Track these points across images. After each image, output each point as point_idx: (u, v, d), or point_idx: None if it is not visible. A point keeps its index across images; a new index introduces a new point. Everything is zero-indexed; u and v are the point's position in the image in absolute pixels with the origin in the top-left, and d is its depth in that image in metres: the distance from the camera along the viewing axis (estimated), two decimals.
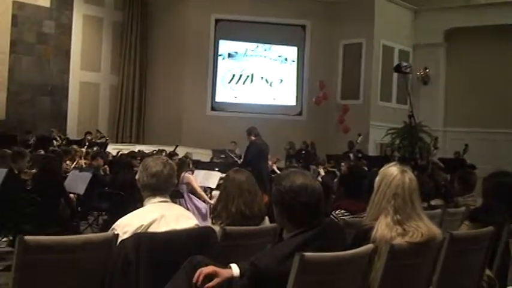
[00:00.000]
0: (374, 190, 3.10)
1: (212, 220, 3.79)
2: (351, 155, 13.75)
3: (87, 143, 13.94)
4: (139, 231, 3.01)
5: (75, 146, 11.46)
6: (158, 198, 3.24)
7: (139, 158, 10.47)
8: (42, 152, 10.76)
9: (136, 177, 3.34)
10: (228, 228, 3.42)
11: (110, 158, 11.10)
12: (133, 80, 19.30)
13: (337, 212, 4.50)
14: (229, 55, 18.80)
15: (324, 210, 2.74)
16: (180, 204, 6.51)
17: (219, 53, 18.73)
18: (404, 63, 11.79)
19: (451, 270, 3.21)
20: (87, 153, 11.46)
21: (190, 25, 18.28)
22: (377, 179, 3.12)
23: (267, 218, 3.82)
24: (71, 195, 7.39)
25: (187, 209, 5.48)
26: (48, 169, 6.98)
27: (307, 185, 2.62)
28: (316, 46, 18.58)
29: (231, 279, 2.65)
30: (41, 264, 2.68)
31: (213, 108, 18.63)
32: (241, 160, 10.08)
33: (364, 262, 2.66)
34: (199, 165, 11.02)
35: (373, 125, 17.25)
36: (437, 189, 6.37)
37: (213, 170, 10.03)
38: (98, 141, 15.07)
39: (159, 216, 3.12)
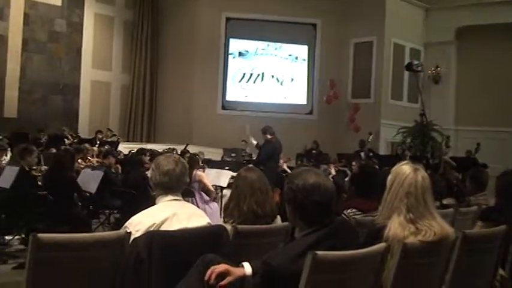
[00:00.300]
0: (386, 189, 3.09)
1: (224, 219, 3.79)
2: (362, 154, 13.71)
3: (98, 142, 14.01)
4: (151, 229, 3.01)
5: (87, 145, 11.50)
6: (170, 197, 3.24)
7: (149, 155, 10.51)
8: (54, 150, 10.82)
9: (149, 175, 3.34)
10: (240, 226, 3.42)
11: (122, 156, 11.13)
12: (144, 79, 19.37)
13: (348, 211, 4.48)
14: (240, 54, 18.80)
15: (336, 209, 2.73)
16: (192, 203, 6.51)
17: (230, 52, 18.73)
18: (416, 62, 11.75)
19: (463, 269, 3.20)
20: (98, 152, 11.52)
21: (200, 24, 18.30)
22: (389, 177, 3.11)
23: (278, 217, 3.82)
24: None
25: (199, 208, 5.48)
26: (59, 165, 7.02)
27: (320, 184, 2.62)
28: (327, 45, 18.54)
29: (243, 277, 2.65)
30: (54, 262, 2.69)
31: (223, 107, 18.64)
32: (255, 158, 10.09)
33: (376, 261, 2.65)
34: (210, 164, 11.02)
35: (384, 123, 17.19)
36: (449, 188, 6.34)
37: (224, 168, 10.03)
38: (109, 139, 15.14)
39: (171, 214, 3.13)
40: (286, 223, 3.53)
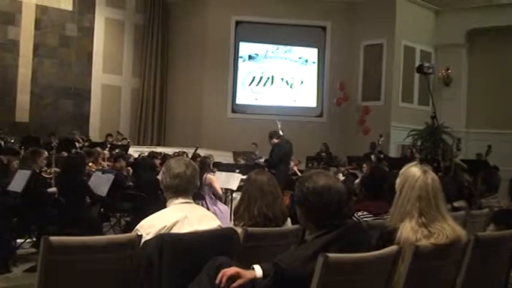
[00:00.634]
0: (397, 193, 3.07)
1: (234, 221, 3.79)
2: (373, 157, 13.66)
3: (108, 145, 14.04)
4: (162, 232, 3.02)
5: (98, 148, 11.54)
6: (181, 199, 3.24)
7: (160, 158, 10.52)
8: (65, 154, 10.87)
9: (159, 178, 3.35)
10: (250, 229, 3.42)
11: (132, 160, 11.16)
12: (155, 83, 19.42)
13: (359, 213, 4.47)
14: (250, 57, 18.82)
15: (346, 211, 2.72)
16: (202, 206, 6.52)
17: (240, 55, 18.75)
18: (427, 64, 11.70)
19: (475, 272, 3.17)
20: (109, 155, 11.55)
21: (210, 27, 18.34)
22: (398, 181, 3.09)
23: (289, 220, 3.81)
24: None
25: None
26: (71, 169, 7.05)
27: (331, 186, 2.62)
28: (337, 47, 18.51)
29: (254, 280, 2.64)
30: (65, 265, 2.70)
31: (233, 110, 18.65)
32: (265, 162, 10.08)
33: (388, 263, 2.64)
34: (220, 167, 11.03)
35: (394, 126, 17.13)
36: (461, 191, 6.30)
37: (234, 171, 10.03)
38: (119, 143, 15.17)
39: (182, 217, 3.13)
40: (296, 225, 3.53)
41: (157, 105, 19.43)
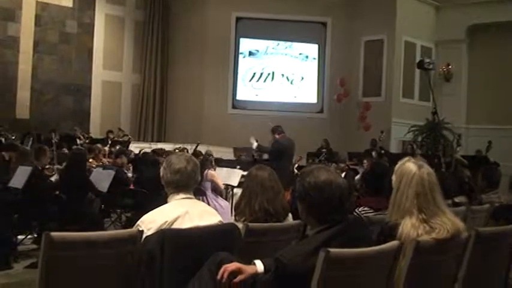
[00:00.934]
0: (393, 190, 3.07)
1: (235, 217, 3.79)
2: (374, 153, 13.65)
3: (109, 142, 14.04)
4: (163, 227, 3.02)
5: (99, 145, 11.54)
6: (182, 195, 3.25)
7: (164, 156, 10.51)
8: (66, 150, 10.86)
9: (160, 173, 3.35)
10: (252, 224, 3.43)
11: (133, 156, 11.16)
12: (155, 79, 19.40)
13: (360, 209, 4.47)
14: (250, 53, 18.79)
15: (348, 206, 2.72)
16: (203, 202, 6.53)
17: (240, 51, 18.72)
18: (428, 60, 11.71)
19: (476, 267, 3.18)
20: (110, 151, 11.55)
21: (211, 23, 18.31)
22: (394, 177, 3.10)
23: (290, 215, 3.82)
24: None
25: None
26: (75, 165, 7.06)
27: (332, 181, 2.61)
28: (337, 43, 18.49)
29: (255, 275, 2.65)
30: (66, 261, 2.71)
31: (234, 106, 18.63)
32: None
33: (389, 259, 2.64)
34: (221, 163, 11.03)
35: (395, 122, 17.11)
36: (461, 187, 6.30)
37: (235, 167, 10.03)
38: (120, 139, 15.17)
39: (183, 212, 3.13)
40: (298, 221, 3.53)
41: (158, 101, 19.42)
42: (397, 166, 3.13)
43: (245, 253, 3.03)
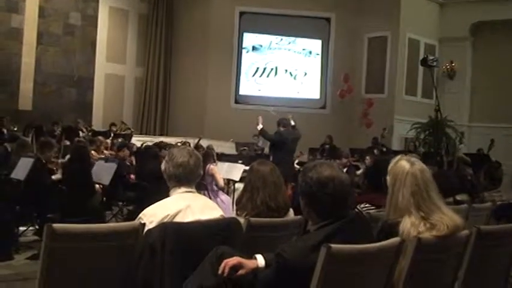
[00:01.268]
0: (389, 191, 3.07)
1: (237, 212, 3.79)
2: (375, 150, 13.64)
3: (112, 134, 14.06)
4: (165, 220, 3.02)
5: (100, 137, 11.55)
6: (184, 189, 3.24)
7: (167, 149, 10.51)
8: (68, 143, 10.87)
9: (162, 167, 3.35)
10: (253, 219, 3.43)
11: (135, 149, 11.17)
12: (158, 72, 19.40)
13: (361, 205, 4.46)
14: (254, 48, 18.78)
15: (350, 202, 2.72)
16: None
17: (243, 46, 18.71)
18: (431, 57, 11.67)
19: (477, 265, 3.17)
20: (112, 144, 11.56)
21: (214, 18, 18.29)
22: (388, 178, 3.09)
23: (291, 210, 3.82)
24: (96, 185, 7.47)
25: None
26: (80, 157, 7.07)
27: (334, 177, 2.61)
28: (341, 39, 18.45)
29: (256, 270, 2.65)
30: (68, 252, 2.71)
31: (236, 101, 18.63)
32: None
33: (390, 256, 2.64)
34: (223, 157, 11.04)
35: (398, 119, 17.10)
36: (463, 185, 6.29)
37: (237, 162, 10.03)
38: (123, 132, 15.19)
39: (185, 206, 3.13)
40: (299, 216, 3.53)
41: (161, 94, 19.41)
42: (390, 166, 3.13)
43: (246, 248, 3.03)
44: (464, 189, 5.89)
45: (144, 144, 11.86)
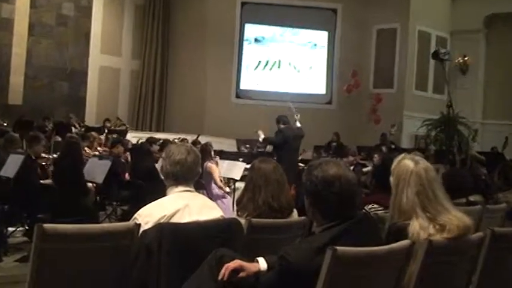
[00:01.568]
0: (392, 192, 3.06)
1: (237, 212, 3.78)
2: (384, 148, 13.61)
3: (106, 131, 14.05)
4: (161, 221, 3.01)
5: (93, 133, 11.55)
6: (181, 188, 3.23)
7: (159, 144, 10.52)
8: (59, 139, 10.87)
9: (159, 165, 3.34)
10: (255, 220, 3.42)
11: (130, 146, 11.17)
12: (155, 66, 19.38)
13: (369, 206, 4.45)
14: (256, 40, 18.76)
15: (357, 202, 2.71)
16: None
17: (245, 38, 18.69)
18: (443, 50, 11.65)
19: (492, 269, 3.16)
20: (106, 140, 11.55)
21: (214, 8, 18.26)
22: (392, 178, 3.09)
23: (295, 211, 3.81)
24: (89, 184, 7.47)
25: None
26: (71, 153, 7.07)
27: (341, 175, 2.59)
28: (348, 31, 18.41)
29: (258, 273, 2.64)
30: (59, 254, 2.70)
31: (237, 96, 18.63)
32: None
33: (400, 259, 2.62)
34: (223, 155, 11.04)
35: (407, 115, 17.08)
36: (477, 185, 6.27)
37: (237, 160, 10.03)
38: (118, 128, 15.19)
39: (183, 206, 3.12)
40: (303, 217, 3.52)
41: (158, 89, 19.40)
42: (393, 165, 3.12)
43: (247, 250, 3.02)
44: (478, 190, 5.87)
45: (139, 141, 11.86)
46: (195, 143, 10.88)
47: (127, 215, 5.95)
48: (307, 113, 17.20)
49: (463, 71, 18.52)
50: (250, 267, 2.63)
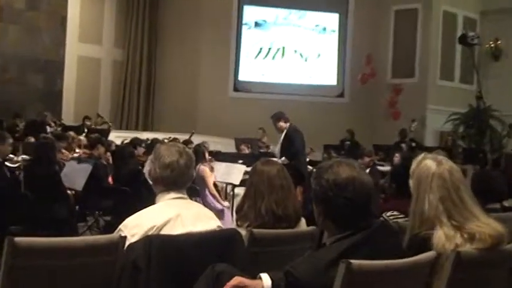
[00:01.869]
0: (413, 197, 3.06)
1: (237, 222, 3.79)
2: (404, 145, 13.64)
3: (86, 130, 14.08)
4: (150, 233, 3.02)
5: (71, 133, 11.57)
6: (173, 194, 3.24)
7: (144, 146, 10.54)
8: (33, 139, 10.88)
9: (146, 168, 3.35)
10: (257, 231, 3.43)
11: (113, 147, 11.19)
12: (141, 55, 19.41)
13: (388, 214, 4.47)
14: (256, 24, 18.78)
15: (374, 209, 2.71)
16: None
17: (244, 22, 18.71)
18: (471, 33, 11.68)
19: None
20: (87, 141, 11.57)
21: None
22: (412, 181, 3.09)
23: (303, 220, 3.82)
24: (68, 191, 7.48)
25: None
26: (43, 157, 7.07)
27: (355, 178, 2.60)
28: (362, 12, 18.43)
29: None
30: (33, 271, 2.71)
31: (235, 89, 18.65)
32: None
33: (424, 272, 2.63)
34: (220, 156, 11.05)
35: (431, 109, 17.08)
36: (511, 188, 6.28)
37: (236, 162, 10.03)
38: (99, 127, 15.21)
39: (175, 215, 3.13)
40: (312, 227, 3.53)
41: (144, 81, 19.43)
42: (412, 167, 3.12)
43: (249, 265, 3.03)
44: None
45: (124, 142, 11.89)
46: (187, 142, 10.89)
47: (111, 227, 5.94)
48: (315, 107, 17.32)
49: (495, 57, 18.51)
50: (253, 284, 2.64)
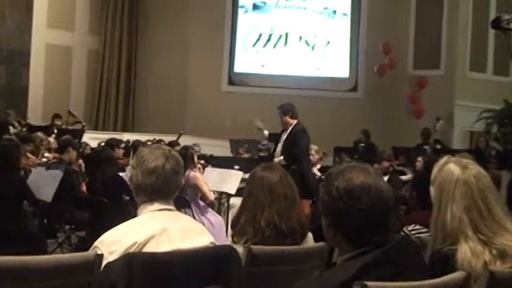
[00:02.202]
0: (434, 208, 3.07)
1: (233, 238, 3.80)
2: (427, 148, 13.65)
3: (55, 131, 14.08)
4: (131, 250, 3.02)
5: (39, 134, 11.57)
6: (158, 205, 3.24)
7: (123, 147, 10.54)
8: None
9: (126, 174, 3.36)
10: (256, 248, 3.44)
11: (88, 150, 11.20)
12: (120, 43, 19.44)
13: (410, 227, 4.48)
14: (255, 6, 18.81)
15: (393, 222, 2.72)
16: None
17: (240, 4, 18.75)
18: (507, 17, 11.66)
19: None
20: (57, 144, 11.58)
21: None
22: (433, 189, 3.10)
23: (310, 235, 3.82)
24: None
25: None
26: (2, 163, 7.07)
27: (371, 186, 2.59)
28: None
29: None
30: None
31: (231, 82, 18.69)
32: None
33: None
34: (212, 161, 11.07)
35: (460, 105, 17.12)
36: None
37: (232, 168, 10.05)
38: (71, 127, 15.21)
39: (160, 230, 3.14)
40: (321, 243, 3.53)
41: (124, 74, 19.45)
42: (434, 172, 3.13)
43: (247, 287, 3.04)
44: None
45: (101, 144, 11.90)
46: (174, 144, 10.88)
47: (85, 243, 5.95)
48: (324, 103, 17.33)
49: None
50: None
